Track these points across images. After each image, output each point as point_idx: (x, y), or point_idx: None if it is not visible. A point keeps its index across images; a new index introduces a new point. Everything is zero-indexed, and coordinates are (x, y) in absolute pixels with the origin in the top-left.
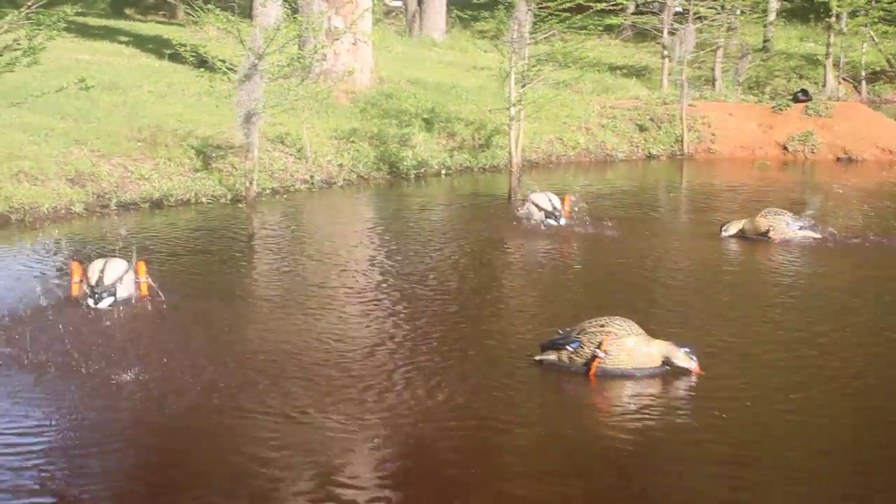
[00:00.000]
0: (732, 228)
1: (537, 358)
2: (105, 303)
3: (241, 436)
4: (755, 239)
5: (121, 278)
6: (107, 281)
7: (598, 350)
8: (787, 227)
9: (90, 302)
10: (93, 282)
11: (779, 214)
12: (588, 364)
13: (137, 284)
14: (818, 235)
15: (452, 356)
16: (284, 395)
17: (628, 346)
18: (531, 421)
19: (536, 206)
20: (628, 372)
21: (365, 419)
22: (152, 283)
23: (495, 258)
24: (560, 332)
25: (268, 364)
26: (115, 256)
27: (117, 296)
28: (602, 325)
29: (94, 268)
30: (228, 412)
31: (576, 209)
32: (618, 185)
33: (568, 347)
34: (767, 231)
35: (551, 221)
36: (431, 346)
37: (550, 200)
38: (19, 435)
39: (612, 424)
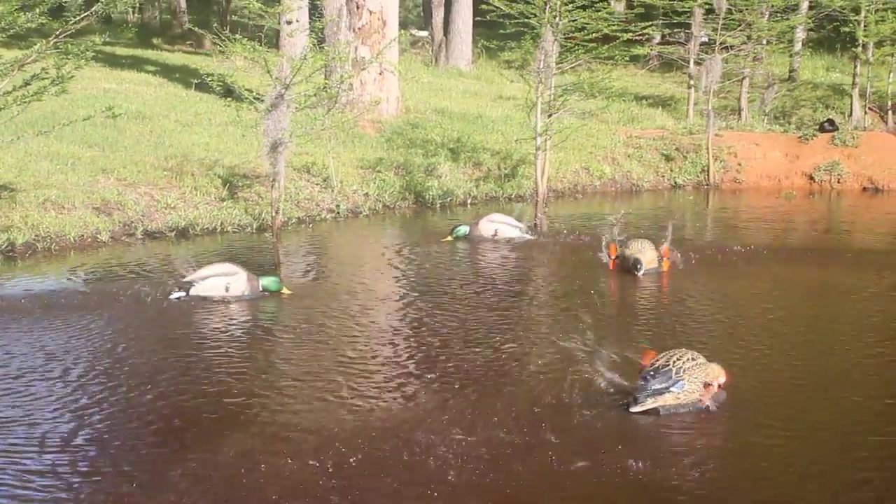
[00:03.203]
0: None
1: (638, 410)
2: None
3: None
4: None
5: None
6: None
7: (714, 382)
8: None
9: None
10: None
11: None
12: (698, 402)
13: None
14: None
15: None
16: None
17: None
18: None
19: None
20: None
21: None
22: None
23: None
24: (645, 378)
25: None
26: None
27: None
28: (693, 359)
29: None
30: None
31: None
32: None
33: (672, 389)
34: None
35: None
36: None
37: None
38: None
39: None
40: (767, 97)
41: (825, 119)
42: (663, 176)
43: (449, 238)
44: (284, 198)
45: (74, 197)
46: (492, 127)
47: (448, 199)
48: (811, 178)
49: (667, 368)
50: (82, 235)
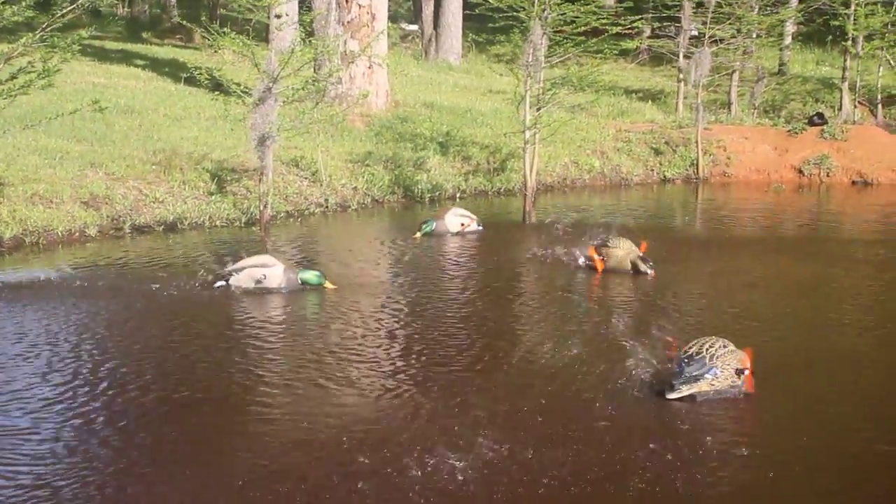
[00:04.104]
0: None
1: (675, 396)
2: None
3: None
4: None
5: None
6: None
7: (747, 369)
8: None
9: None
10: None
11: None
12: (731, 388)
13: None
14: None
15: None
16: None
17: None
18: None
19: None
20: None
21: None
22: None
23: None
24: (680, 364)
25: None
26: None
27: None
28: (724, 346)
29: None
30: None
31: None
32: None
33: (707, 376)
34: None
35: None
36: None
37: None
38: None
39: None
40: (757, 91)
41: (814, 113)
42: (652, 170)
43: (418, 235)
44: (273, 192)
45: (62, 191)
46: (481, 121)
47: (437, 193)
48: (800, 171)
49: (700, 355)
50: (70, 230)
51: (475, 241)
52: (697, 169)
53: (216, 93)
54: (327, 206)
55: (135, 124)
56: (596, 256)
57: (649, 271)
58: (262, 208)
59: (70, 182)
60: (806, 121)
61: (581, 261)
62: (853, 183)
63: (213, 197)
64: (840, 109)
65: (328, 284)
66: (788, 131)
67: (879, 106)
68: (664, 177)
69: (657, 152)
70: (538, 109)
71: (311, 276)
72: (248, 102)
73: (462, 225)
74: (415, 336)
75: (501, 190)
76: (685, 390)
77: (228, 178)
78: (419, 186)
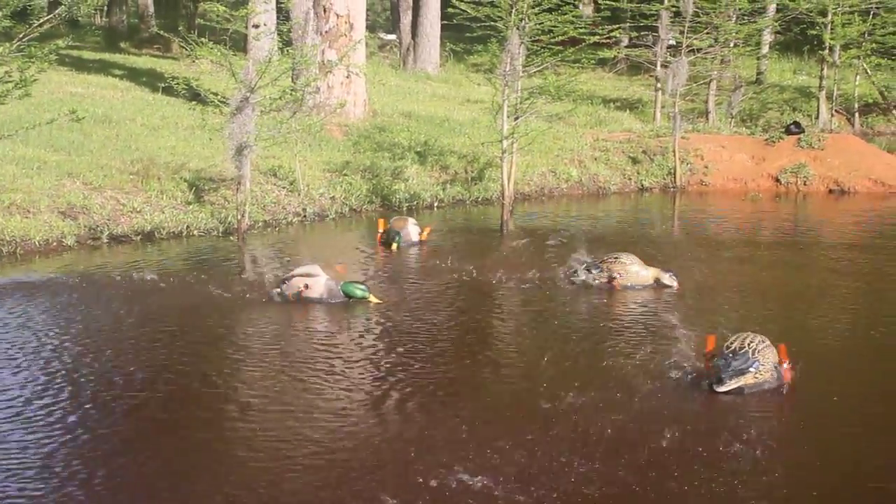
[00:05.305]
0: None
1: (725, 389)
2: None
3: None
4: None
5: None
6: None
7: (785, 362)
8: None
9: None
10: None
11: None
12: (771, 380)
13: None
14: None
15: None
16: None
17: None
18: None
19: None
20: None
21: None
22: None
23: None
24: (725, 358)
25: None
26: None
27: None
28: (762, 341)
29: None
30: None
31: None
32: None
33: (751, 370)
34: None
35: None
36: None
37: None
38: None
39: None
40: (734, 100)
41: (791, 121)
42: (630, 178)
43: (395, 246)
44: (250, 201)
45: (40, 201)
46: (459, 130)
47: (415, 202)
48: (777, 180)
49: (743, 350)
50: (47, 240)
51: (449, 251)
52: (675, 178)
53: (194, 102)
54: (305, 216)
55: (112, 134)
56: (616, 279)
57: (674, 284)
58: (239, 218)
59: (47, 192)
60: (783, 130)
61: (582, 279)
62: (830, 191)
63: (191, 206)
64: (817, 118)
65: (372, 298)
66: (766, 140)
67: (856, 115)
68: (642, 186)
69: (635, 161)
70: (516, 119)
71: (354, 288)
72: (225, 112)
73: (420, 234)
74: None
75: (479, 199)
76: (734, 383)
77: (206, 187)
78: (397, 196)
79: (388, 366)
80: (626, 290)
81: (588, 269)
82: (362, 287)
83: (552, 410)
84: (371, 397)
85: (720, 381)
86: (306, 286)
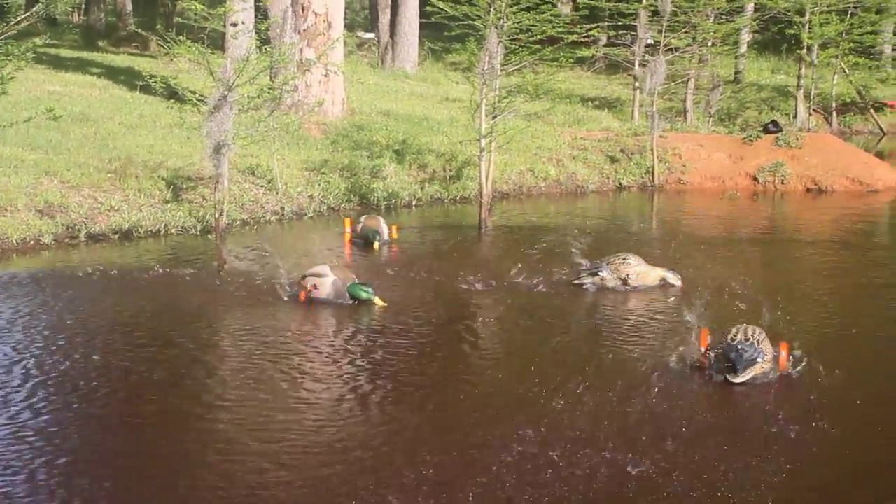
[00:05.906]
0: None
1: (740, 380)
2: None
3: None
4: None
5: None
6: None
7: (782, 352)
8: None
9: None
10: None
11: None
12: (772, 370)
13: None
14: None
15: None
16: None
17: None
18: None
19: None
20: None
21: None
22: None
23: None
24: (733, 353)
25: None
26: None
27: None
28: (761, 332)
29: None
30: None
31: None
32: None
33: (758, 360)
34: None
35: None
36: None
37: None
38: None
39: None
40: (712, 99)
41: (769, 120)
42: (608, 177)
43: (376, 245)
44: (228, 200)
45: (17, 199)
46: (437, 129)
47: (393, 200)
48: (755, 178)
49: (749, 341)
50: (25, 238)
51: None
52: (653, 176)
53: (172, 101)
54: (283, 214)
55: (90, 132)
56: (630, 280)
57: (678, 283)
58: (217, 216)
59: (25, 190)
60: (761, 128)
61: (590, 281)
62: (808, 190)
63: (169, 205)
64: (795, 117)
65: (378, 301)
66: (743, 139)
67: (834, 114)
68: (620, 184)
69: (613, 160)
70: (494, 117)
71: (360, 290)
72: (203, 110)
73: (390, 232)
74: (426, 350)
75: (458, 198)
76: (748, 374)
77: (184, 186)
78: (375, 194)
79: (379, 363)
80: (633, 291)
81: (594, 273)
82: (368, 289)
83: (556, 407)
84: (361, 394)
85: (735, 373)
86: (314, 286)
